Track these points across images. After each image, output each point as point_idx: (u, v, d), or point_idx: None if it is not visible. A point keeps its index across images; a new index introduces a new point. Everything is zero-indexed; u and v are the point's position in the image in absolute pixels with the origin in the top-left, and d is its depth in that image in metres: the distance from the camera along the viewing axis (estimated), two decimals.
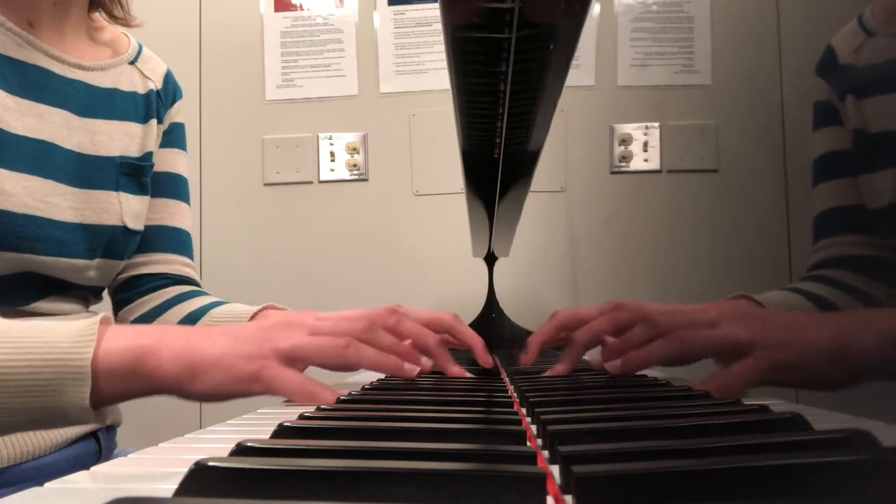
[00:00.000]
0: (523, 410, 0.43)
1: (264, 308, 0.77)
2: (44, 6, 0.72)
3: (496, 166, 0.60)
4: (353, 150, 1.63)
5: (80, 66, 0.76)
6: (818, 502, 0.20)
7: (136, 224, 0.79)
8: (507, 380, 0.61)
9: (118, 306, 0.84)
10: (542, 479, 0.22)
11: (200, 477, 0.22)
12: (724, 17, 1.62)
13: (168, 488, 0.23)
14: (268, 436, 0.32)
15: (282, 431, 0.32)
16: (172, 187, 0.87)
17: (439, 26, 0.55)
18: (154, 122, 0.83)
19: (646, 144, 1.61)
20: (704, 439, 0.28)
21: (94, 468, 0.29)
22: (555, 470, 0.26)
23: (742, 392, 0.51)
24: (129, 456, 0.33)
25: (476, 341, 0.63)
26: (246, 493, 0.22)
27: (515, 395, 0.50)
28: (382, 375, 0.64)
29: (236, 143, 1.65)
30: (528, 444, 0.31)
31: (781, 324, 0.54)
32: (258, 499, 0.22)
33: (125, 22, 0.83)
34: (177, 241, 0.87)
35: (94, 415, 0.47)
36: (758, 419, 0.33)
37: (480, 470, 0.23)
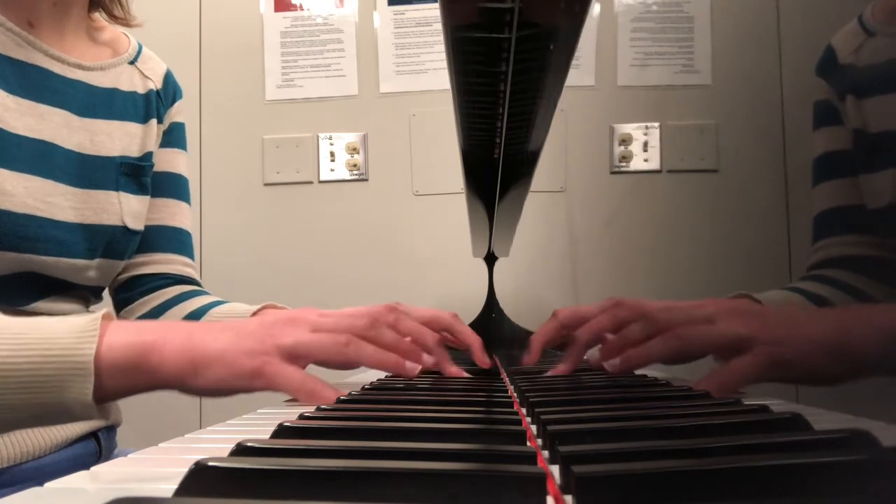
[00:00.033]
0: (523, 410, 0.43)
1: (264, 307, 0.77)
2: (44, 6, 0.72)
3: (496, 166, 0.60)
4: (353, 150, 1.63)
5: (80, 66, 0.76)
6: (818, 502, 0.20)
7: (136, 224, 0.79)
8: (507, 380, 0.61)
9: (119, 306, 0.84)
10: (542, 479, 0.22)
11: (200, 477, 0.22)
12: (724, 17, 1.62)
13: (168, 488, 0.23)
14: (268, 436, 0.32)
15: (282, 431, 0.32)
16: (173, 187, 0.87)
17: (439, 26, 0.55)
18: (154, 121, 0.83)
19: (646, 144, 1.61)
20: (704, 439, 0.28)
21: (94, 468, 0.29)
22: (555, 470, 0.26)
23: (741, 388, 0.51)
24: (129, 456, 0.33)
25: (474, 341, 0.63)
26: (246, 493, 0.22)
27: (515, 395, 0.50)
28: (384, 374, 0.64)
29: (236, 143, 1.65)
30: (528, 444, 0.31)
31: (780, 319, 0.53)
32: (258, 499, 0.22)
33: (125, 22, 0.83)
34: (177, 240, 0.87)
35: (96, 410, 0.48)
36: (758, 419, 0.33)
37: (480, 470, 0.23)
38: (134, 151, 0.80)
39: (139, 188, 0.80)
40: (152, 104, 0.84)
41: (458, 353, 0.67)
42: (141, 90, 0.83)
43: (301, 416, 0.36)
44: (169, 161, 0.87)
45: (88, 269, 0.74)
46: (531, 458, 0.25)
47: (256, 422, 0.44)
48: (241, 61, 1.66)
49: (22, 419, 0.47)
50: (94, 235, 0.74)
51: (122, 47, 0.83)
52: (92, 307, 0.80)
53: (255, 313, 0.77)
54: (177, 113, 0.88)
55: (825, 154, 0.91)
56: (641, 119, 1.61)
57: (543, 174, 1.56)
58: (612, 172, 1.62)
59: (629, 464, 0.23)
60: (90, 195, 0.74)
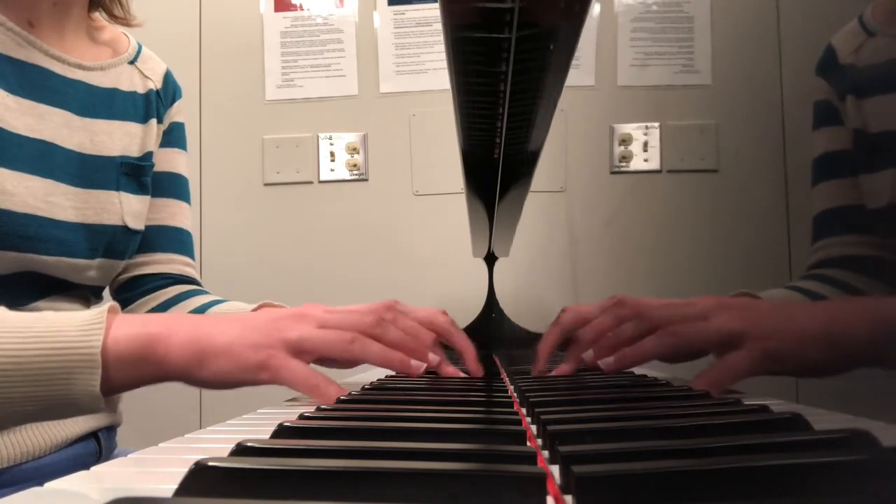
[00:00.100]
0: (523, 410, 0.43)
1: (261, 306, 0.77)
2: (44, 6, 0.72)
3: (496, 166, 0.60)
4: (353, 150, 1.63)
5: (80, 66, 0.76)
6: (818, 502, 0.20)
7: (136, 224, 0.79)
8: (507, 380, 0.61)
9: (120, 306, 0.84)
10: (542, 479, 0.22)
11: (200, 477, 0.22)
12: (724, 17, 1.62)
13: (168, 488, 0.23)
14: (268, 436, 0.32)
15: (282, 431, 0.32)
16: (173, 187, 0.87)
17: (439, 26, 0.55)
18: (154, 121, 0.83)
19: (646, 144, 1.61)
20: (704, 439, 0.28)
21: (94, 468, 0.29)
22: (555, 470, 0.26)
23: (736, 383, 0.51)
24: (129, 456, 0.33)
25: (468, 348, 0.63)
26: (246, 493, 0.22)
27: (515, 395, 0.50)
28: (384, 373, 0.64)
29: (236, 143, 1.65)
30: (528, 444, 0.31)
31: (772, 313, 0.54)
32: (258, 499, 0.22)
33: (125, 21, 0.83)
34: (177, 240, 0.87)
35: (104, 403, 0.48)
36: (758, 419, 0.33)
37: (480, 470, 0.23)
38: (134, 151, 0.80)
39: (139, 188, 0.80)
40: (152, 104, 0.84)
41: (453, 353, 0.67)
42: (141, 90, 0.83)
43: (301, 416, 0.36)
44: (169, 161, 0.87)
45: (89, 268, 0.74)
46: (531, 458, 0.25)
47: (256, 422, 0.44)
48: (241, 61, 1.66)
49: (29, 412, 0.47)
50: (95, 235, 0.74)
51: (121, 47, 0.83)
52: (92, 307, 0.80)
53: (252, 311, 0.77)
54: (176, 113, 0.89)
55: (825, 154, 0.91)
56: (641, 119, 1.61)
57: (543, 174, 1.56)
58: (612, 172, 1.62)
59: (629, 464, 0.23)
60: (91, 195, 0.74)
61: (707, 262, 1.58)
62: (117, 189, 0.77)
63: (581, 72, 1.61)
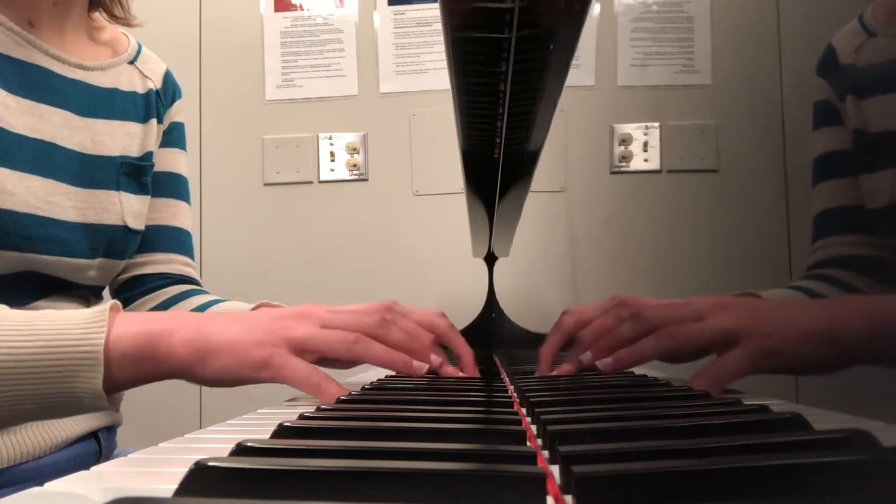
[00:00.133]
0: (523, 410, 0.43)
1: (259, 305, 0.77)
2: (44, 6, 0.72)
3: (496, 166, 0.60)
4: (353, 150, 1.63)
5: (80, 66, 0.76)
6: (818, 502, 0.20)
7: (136, 224, 0.79)
8: (507, 380, 0.61)
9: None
10: (542, 479, 0.22)
11: (200, 477, 0.22)
12: (724, 17, 1.62)
13: (168, 488, 0.23)
14: (268, 436, 0.32)
15: (282, 431, 0.32)
16: (173, 187, 0.87)
17: (439, 26, 0.55)
18: (154, 121, 0.83)
19: (646, 144, 1.61)
20: (704, 439, 0.28)
21: (94, 468, 0.29)
22: (555, 470, 0.26)
23: (734, 381, 0.51)
24: (129, 456, 0.33)
25: (466, 352, 0.63)
26: (246, 493, 0.22)
27: (515, 395, 0.50)
28: (385, 373, 0.64)
29: (236, 143, 1.65)
30: (528, 444, 0.31)
31: (768, 311, 0.54)
32: (258, 499, 0.22)
33: (125, 21, 0.83)
34: (177, 240, 0.87)
35: (106, 400, 0.48)
36: (758, 419, 0.33)
37: (480, 470, 0.23)
38: (134, 151, 0.80)
39: (140, 188, 0.80)
40: (152, 104, 0.84)
41: (451, 355, 0.67)
42: (141, 90, 0.83)
43: (301, 416, 0.36)
44: (169, 161, 0.87)
45: (90, 268, 0.74)
46: (531, 458, 0.25)
47: (256, 422, 0.44)
48: (241, 61, 1.66)
49: (32, 411, 0.47)
50: (96, 235, 0.74)
51: (121, 47, 0.83)
52: (92, 307, 0.80)
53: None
54: (176, 113, 0.89)
55: (825, 154, 0.91)
56: (641, 119, 1.61)
57: (543, 174, 1.56)
58: (612, 172, 1.62)
59: (629, 464, 0.23)
60: (91, 195, 0.74)
61: (707, 262, 1.58)
62: (117, 189, 0.77)
63: (581, 72, 1.61)
